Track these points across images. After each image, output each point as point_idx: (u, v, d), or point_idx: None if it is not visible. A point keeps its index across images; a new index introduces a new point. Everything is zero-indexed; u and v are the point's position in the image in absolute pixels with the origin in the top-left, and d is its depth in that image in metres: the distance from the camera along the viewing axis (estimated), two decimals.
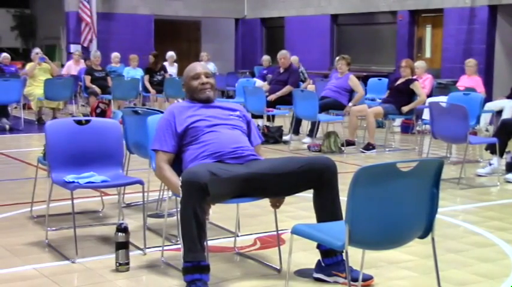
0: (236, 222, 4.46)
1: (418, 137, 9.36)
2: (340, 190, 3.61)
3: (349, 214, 2.83)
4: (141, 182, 4.23)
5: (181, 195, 3.39)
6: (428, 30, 14.97)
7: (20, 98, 11.07)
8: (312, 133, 9.26)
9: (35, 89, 11.42)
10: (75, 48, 16.33)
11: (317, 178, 3.58)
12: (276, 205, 3.83)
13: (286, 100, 9.75)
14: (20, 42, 24.68)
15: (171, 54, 14.52)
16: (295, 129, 9.68)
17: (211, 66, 15.11)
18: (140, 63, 14.52)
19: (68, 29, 17.42)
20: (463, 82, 10.60)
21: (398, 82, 9.03)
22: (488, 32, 13.40)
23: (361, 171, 2.78)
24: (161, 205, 5.24)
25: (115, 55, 14.74)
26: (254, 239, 4.53)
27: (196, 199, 3.34)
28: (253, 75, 16.19)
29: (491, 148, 6.96)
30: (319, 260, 3.71)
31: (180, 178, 3.42)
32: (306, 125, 9.76)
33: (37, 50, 12.40)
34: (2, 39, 23.94)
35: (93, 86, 12.21)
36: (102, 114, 10.69)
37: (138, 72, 13.99)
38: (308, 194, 3.72)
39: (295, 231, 3.13)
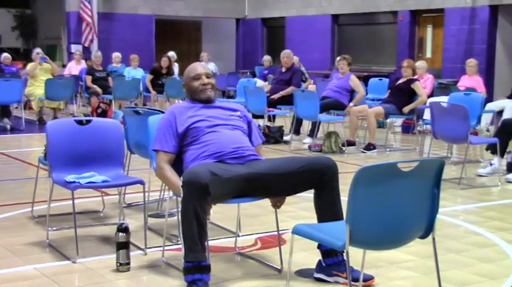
0: (237, 222, 4.46)
1: (418, 137, 9.36)
2: (341, 190, 3.61)
3: (350, 214, 2.83)
4: (141, 182, 4.23)
5: (182, 195, 3.39)
6: (429, 30, 14.97)
7: (20, 98, 11.08)
8: (312, 133, 9.26)
9: (36, 89, 11.43)
10: (76, 48, 16.33)
11: (318, 178, 3.58)
12: (276, 205, 3.83)
13: (287, 100, 9.74)
14: (20, 43, 24.69)
15: (171, 54, 14.52)
16: (296, 130, 9.68)
17: (212, 66, 15.12)
18: (141, 63, 14.54)
19: (69, 29, 17.42)
20: (464, 82, 10.60)
21: (399, 82, 9.03)
22: (489, 32, 13.40)
23: (361, 171, 2.78)
24: (162, 205, 5.24)
25: (116, 55, 14.74)
26: (255, 239, 4.53)
27: (197, 199, 3.34)
28: (254, 75, 16.20)
29: (492, 148, 6.96)
30: (319, 260, 3.71)
31: (181, 178, 3.43)
32: (306, 125, 9.76)
33: (38, 50, 12.40)
34: (3, 39, 23.95)
35: (94, 86, 12.22)
36: (103, 114, 10.73)
37: (139, 72, 14.00)
38: (309, 194, 3.72)
39: (296, 231, 3.13)
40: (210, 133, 3.78)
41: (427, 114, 9.07)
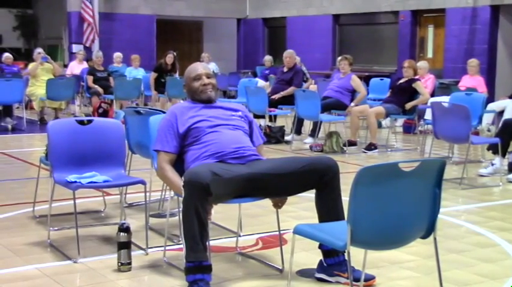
0: (238, 222, 4.46)
1: (420, 137, 9.35)
2: (342, 190, 3.61)
3: (351, 214, 2.83)
4: (143, 182, 4.23)
5: (183, 195, 3.39)
6: (430, 30, 14.97)
7: (22, 98, 11.09)
8: (314, 133, 9.26)
9: (37, 89, 11.43)
10: (77, 48, 16.34)
11: (319, 178, 3.58)
12: (278, 205, 3.84)
13: (288, 100, 9.74)
14: (22, 42, 24.68)
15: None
16: (297, 130, 9.67)
17: (213, 66, 15.11)
18: (142, 63, 14.53)
19: (70, 29, 17.42)
20: (465, 82, 10.59)
21: (401, 81, 9.03)
22: (491, 32, 13.39)
23: (363, 171, 2.77)
24: (163, 205, 5.24)
25: (117, 55, 14.75)
26: (256, 239, 4.53)
27: (198, 199, 3.35)
28: (255, 75, 16.20)
29: (493, 148, 6.96)
30: (321, 260, 3.71)
31: (182, 178, 3.43)
32: (308, 125, 9.76)
33: (39, 49, 12.39)
34: (4, 39, 23.95)
35: (96, 86, 12.22)
36: (104, 114, 10.72)
37: (140, 72, 13.99)
38: (310, 194, 3.72)
39: (297, 231, 3.13)
40: (211, 133, 3.78)
41: (428, 114, 9.07)
